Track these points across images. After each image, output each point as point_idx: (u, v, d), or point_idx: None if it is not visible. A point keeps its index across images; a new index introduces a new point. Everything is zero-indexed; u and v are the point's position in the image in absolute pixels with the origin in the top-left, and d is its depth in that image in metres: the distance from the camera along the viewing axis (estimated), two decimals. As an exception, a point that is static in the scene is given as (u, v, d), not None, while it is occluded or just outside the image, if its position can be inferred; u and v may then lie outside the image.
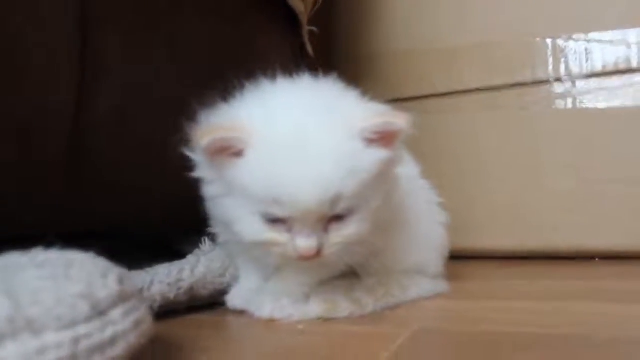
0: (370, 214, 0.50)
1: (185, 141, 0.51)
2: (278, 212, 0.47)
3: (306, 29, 0.82)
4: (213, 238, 0.62)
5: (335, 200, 0.47)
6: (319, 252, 0.48)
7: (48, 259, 0.36)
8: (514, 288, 0.73)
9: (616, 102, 0.87)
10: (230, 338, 0.54)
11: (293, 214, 0.47)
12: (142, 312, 0.36)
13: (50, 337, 0.29)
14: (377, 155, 0.48)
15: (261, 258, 0.54)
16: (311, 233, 0.48)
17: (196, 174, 0.53)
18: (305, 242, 0.48)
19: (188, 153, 0.52)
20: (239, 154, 0.48)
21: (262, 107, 0.50)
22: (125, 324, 0.33)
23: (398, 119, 0.48)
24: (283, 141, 0.47)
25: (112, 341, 0.32)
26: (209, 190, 0.52)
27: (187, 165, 0.53)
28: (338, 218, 0.49)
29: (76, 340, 0.30)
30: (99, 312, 0.32)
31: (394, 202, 0.55)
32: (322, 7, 0.84)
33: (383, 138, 0.48)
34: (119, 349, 0.32)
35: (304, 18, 0.81)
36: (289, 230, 0.48)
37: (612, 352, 0.43)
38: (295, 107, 0.49)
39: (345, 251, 0.50)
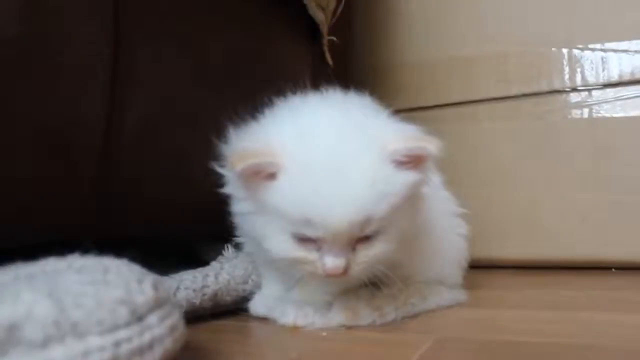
0: (397, 234, 0.51)
1: (217, 157, 0.51)
2: (309, 232, 0.48)
3: (326, 38, 0.84)
4: (236, 246, 0.63)
5: (366, 222, 0.48)
6: (345, 271, 0.49)
7: (85, 264, 0.37)
8: (531, 297, 0.74)
9: (632, 112, 0.87)
10: (254, 343, 0.55)
11: (323, 235, 0.48)
12: (176, 318, 0.37)
13: (94, 341, 0.30)
14: (407, 178, 0.49)
15: (286, 269, 0.55)
16: (339, 252, 0.49)
17: (226, 190, 0.54)
18: (333, 262, 0.49)
19: (219, 169, 0.53)
20: (272, 176, 0.48)
21: (294, 129, 0.50)
22: (162, 329, 0.34)
23: (429, 144, 0.49)
24: (316, 164, 0.47)
25: (150, 345, 0.33)
26: (240, 207, 0.53)
27: (218, 181, 0.53)
28: (366, 238, 0.50)
29: (118, 344, 0.31)
30: (137, 317, 0.33)
31: (419, 219, 0.56)
32: (341, 18, 0.85)
33: (413, 161, 0.49)
34: (157, 353, 0.33)
35: (324, 28, 0.82)
36: (318, 249, 0.49)
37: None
38: (328, 129, 0.50)
39: (371, 269, 0.52)
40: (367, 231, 0.49)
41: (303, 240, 0.49)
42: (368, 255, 0.50)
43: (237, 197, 0.53)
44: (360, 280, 0.54)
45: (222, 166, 0.53)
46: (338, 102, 0.54)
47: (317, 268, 0.50)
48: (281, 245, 0.50)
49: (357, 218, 0.47)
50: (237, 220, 0.56)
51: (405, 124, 0.53)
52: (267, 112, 0.55)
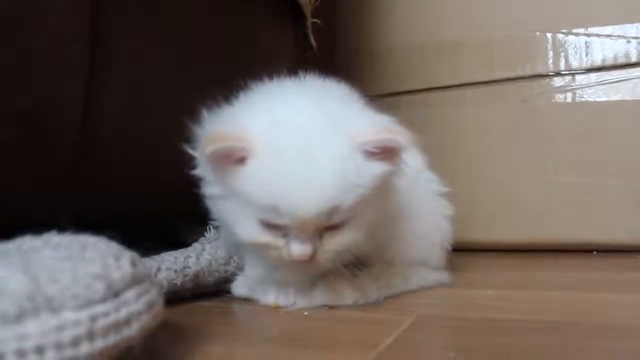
0: (365, 224, 0.51)
1: (188, 139, 0.51)
2: (276, 220, 0.48)
3: (310, 20, 0.83)
4: (218, 227, 0.63)
5: (333, 212, 0.48)
6: (312, 258, 0.50)
7: (62, 241, 0.36)
8: (513, 278, 0.75)
9: (615, 96, 0.88)
10: (236, 323, 0.55)
11: (290, 223, 0.48)
12: (154, 295, 0.37)
13: (69, 316, 0.30)
14: (377, 169, 0.49)
15: (256, 252, 0.55)
16: (306, 240, 0.49)
17: (197, 172, 0.54)
18: (299, 248, 0.49)
19: (190, 152, 0.52)
20: (241, 161, 0.48)
21: (266, 115, 0.50)
22: (139, 305, 0.34)
23: (399, 136, 0.49)
24: (286, 152, 0.47)
25: (127, 321, 0.33)
26: (210, 190, 0.53)
27: (190, 163, 0.53)
28: (334, 227, 0.50)
29: (93, 319, 0.31)
30: (113, 292, 0.33)
31: (391, 208, 0.56)
32: (325, 1, 0.85)
33: (383, 153, 0.49)
34: (134, 329, 0.33)
35: (307, 10, 0.81)
36: (285, 235, 0.50)
37: (602, 338, 0.44)
38: (300, 117, 0.50)
39: (339, 257, 0.52)
40: (335, 220, 0.49)
41: (270, 226, 0.49)
42: (335, 243, 0.50)
43: (207, 180, 0.53)
44: (330, 268, 0.54)
45: (194, 148, 0.53)
46: (313, 90, 0.54)
47: (284, 254, 0.50)
48: (248, 230, 0.50)
49: (324, 207, 0.47)
50: (209, 203, 0.55)
51: (379, 114, 0.53)
52: (241, 96, 0.54)
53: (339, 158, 0.47)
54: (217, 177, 0.51)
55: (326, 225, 0.49)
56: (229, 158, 0.48)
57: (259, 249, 0.52)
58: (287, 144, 0.48)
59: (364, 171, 0.48)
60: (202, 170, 0.53)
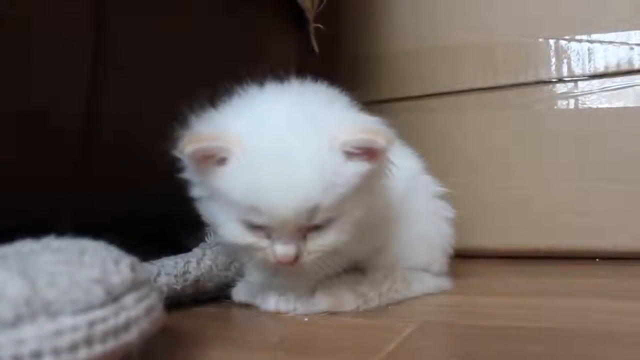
0: (349, 225, 0.51)
1: (175, 143, 0.51)
2: (257, 220, 0.48)
3: (312, 26, 0.83)
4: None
5: (313, 211, 0.48)
6: (296, 259, 0.50)
7: (61, 245, 0.36)
8: (515, 285, 0.74)
9: (618, 103, 0.88)
10: (236, 329, 0.55)
11: (271, 223, 0.48)
12: (154, 300, 0.36)
13: (67, 321, 0.30)
14: (357, 169, 0.49)
15: (241, 255, 0.55)
16: (289, 241, 0.49)
17: (184, 175, 0.54)
18: (282, 249, 0.49)
19: (176, 155, 0.52)
20: (222, 162, 0.49)
21: (247, 116, 0.51)
22: (138, 310, 0.34)
23: (378, 137, 0.48)
24: (265, 152, 0.48)
25: (126, 326, 0.32)
26: (195, 192, 0.54)
27: (177, 166, 0.53)
28: (317, 227, 0.50)
29: (91, 324, 0.30)
30: (113, 297, 0.33)
31: (379, 210, 0.55)
32: (329, 5, 0.85)
33: (365, 153, 0.49)
34: (133, 334, 0.33)
35: (310, 15, 0.81)
36: (268, 236, 0.50)
37: (605, 345, 0.44)
38: (280, 117, 0.50)
39: (324, 259, 0.52)
40: (316, 220, 0.49)
41: (253, 227, 0.49)
42: (319, 244, 0.50)
43: (192, 182, 0.53)
44: (317, 271, 0.54)
45: (179, 153, 0.53)
46: (296, 92, 0.54)
47: (269, 255, 0.50)
48: (233, 231, 0.50)
49: (303, 207, 0.47)
50: (197, 206, 0.55)
51: (363, 114, 0.53)
52: (227, 100, 0.54)
53: (318, 157, 0.48)
54: (200, 179, 0.51)
55: (309, 226, 0.49)
56: (210, 159, 0.49)
57: (245, 251, 0.52)
58: (265, 143, 0.48)
59: (343, 170, 0.48)
60: (187, 173, 0.53)
